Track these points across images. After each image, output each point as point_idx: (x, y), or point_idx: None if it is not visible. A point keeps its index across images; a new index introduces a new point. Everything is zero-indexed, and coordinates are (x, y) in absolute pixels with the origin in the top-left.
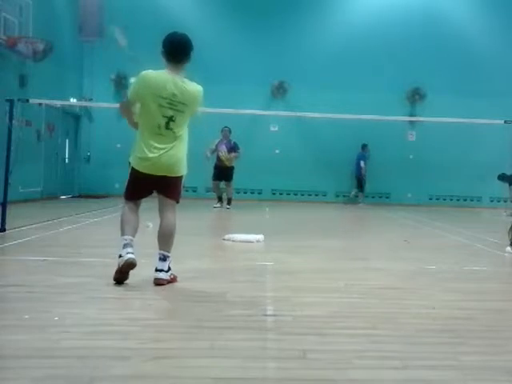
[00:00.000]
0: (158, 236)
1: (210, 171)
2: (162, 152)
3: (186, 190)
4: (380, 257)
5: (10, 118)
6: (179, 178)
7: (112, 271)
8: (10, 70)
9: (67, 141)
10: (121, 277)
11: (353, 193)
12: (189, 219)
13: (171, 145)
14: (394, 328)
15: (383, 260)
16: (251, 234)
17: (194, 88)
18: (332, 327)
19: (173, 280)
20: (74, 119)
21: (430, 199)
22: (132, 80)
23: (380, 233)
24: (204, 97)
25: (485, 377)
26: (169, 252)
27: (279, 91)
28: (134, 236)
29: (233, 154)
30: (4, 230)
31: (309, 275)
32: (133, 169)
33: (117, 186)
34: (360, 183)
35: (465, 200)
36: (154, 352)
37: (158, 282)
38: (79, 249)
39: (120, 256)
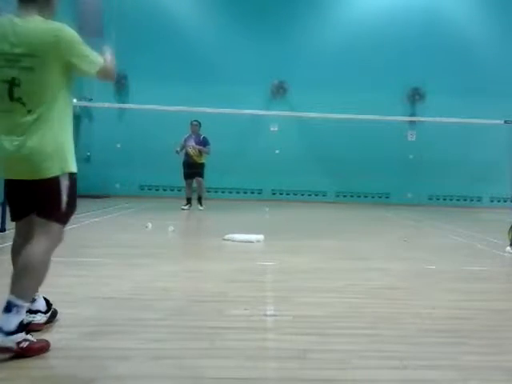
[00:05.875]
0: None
1: (207, 170)
2: (16, 144)
3: (179, 190)
4: (380, 257)
5: None
6: (52, 182)
7: (111, 271)
8: None
9: None
10: None
11: None
12: (188, 219)
13: (30, 132)
14: (394, 328)
15: (383, 260)
16: (251, 234)
17: (44, 27)
18: (332, 327)
19: (27, 351)
20: (74, 119)
21: (430, 199)
22: None
23: (380, 233)
24: (204, 97)
25: (485, 377)
26: (23, 299)
27: (279, 91)
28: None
29: (200, 147)
30: (4, 230)
31: (309, 275)
32: None
33: (117, 186)
34: None
35: (465, 200)
36: (154, 352)
37: None
38: (79, 249)
39: None
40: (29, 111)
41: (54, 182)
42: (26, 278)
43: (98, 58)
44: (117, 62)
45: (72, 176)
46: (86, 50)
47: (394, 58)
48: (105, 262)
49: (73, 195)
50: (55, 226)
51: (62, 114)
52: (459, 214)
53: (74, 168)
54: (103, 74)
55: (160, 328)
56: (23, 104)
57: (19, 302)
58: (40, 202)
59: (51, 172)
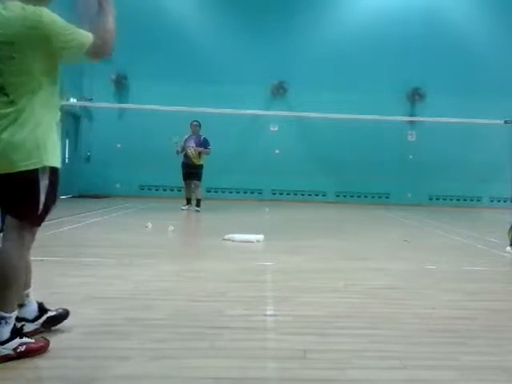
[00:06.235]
0: None
1: (207, 170)
2: None
3: (179, 190)
4: (380, 257)
5: None
6: (29, 176)
7: (111, 271)
8: None
9: (67, 141)
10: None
11: None
12: (188, 219)
13: (11, 123)
14: (394, 328)
15: (383, 260)
16: (251, 234)
17: (23, 14)
18: (332, 327)
19: (26, 353)
20: (74, 119)
21: (430, 199)
22: None
23: (380, 233)
24: (204, 97)
25: (485, 377)
26: (6, 310)
27: (279, 91)
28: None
29: (201, 149)
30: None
31: (309, 275)
32: None
33: (117, 186)
34: None
35: (465, 200)
36: (154, 352)
37: None
38: (79, 249)
39: None
40: (11, 102)
41: (32, 176)
42: (3, 288)
43: (83, 39)
44: (117, 62)
45: (52, 171)
46: (70, 34)
47: (393, 58)
48: (105, 262)
49: (52, 196)
50: (29, 228)
51: (46, 104)
52: (459, 214)
53: (56, 162)
54: (93, 54)
55: (160, 328)
56: (6, 95)
57: (3, 313)
58: (14, 200)
59: (28, 164)
